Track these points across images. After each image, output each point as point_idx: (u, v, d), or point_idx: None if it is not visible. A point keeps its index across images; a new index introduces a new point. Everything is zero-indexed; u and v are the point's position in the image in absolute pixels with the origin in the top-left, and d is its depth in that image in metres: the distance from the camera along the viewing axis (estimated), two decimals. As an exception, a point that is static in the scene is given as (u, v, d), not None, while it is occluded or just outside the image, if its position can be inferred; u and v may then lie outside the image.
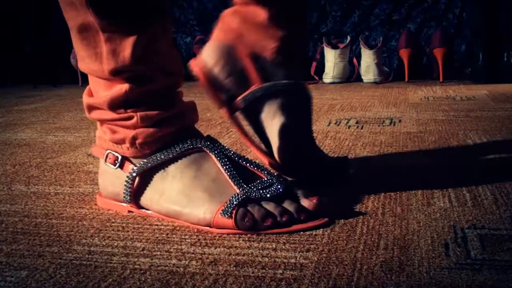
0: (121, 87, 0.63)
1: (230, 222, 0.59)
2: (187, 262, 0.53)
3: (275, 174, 0.65)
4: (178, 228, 0.62)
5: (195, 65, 0.71)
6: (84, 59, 0.64)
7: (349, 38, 2.26)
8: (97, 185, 0.80)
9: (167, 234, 0.60)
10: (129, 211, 0.68)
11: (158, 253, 0.55)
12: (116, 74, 0.62)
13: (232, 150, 0.66)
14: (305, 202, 0.62)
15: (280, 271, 0.50)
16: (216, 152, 0.65)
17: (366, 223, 0.61)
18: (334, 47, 2.24)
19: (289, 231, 0.59)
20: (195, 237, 0.59)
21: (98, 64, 0.62)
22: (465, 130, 1.13)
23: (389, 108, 1.47)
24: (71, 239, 0.60)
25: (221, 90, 0.71)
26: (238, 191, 0.61)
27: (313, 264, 0.51)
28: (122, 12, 0.61)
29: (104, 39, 0.61)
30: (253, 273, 0.50)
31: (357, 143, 1.04)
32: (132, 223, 0.64)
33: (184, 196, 0.63)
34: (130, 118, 0.65)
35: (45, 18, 2.67)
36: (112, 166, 0.67)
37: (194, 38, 2.53)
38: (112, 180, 0.68)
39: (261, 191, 0.61)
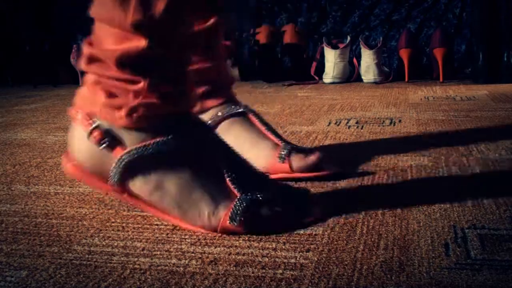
0: (138, 44, 0.57)
1: (239, 229, 0.59)
2: (187, 262, 0.53)
3: (267, 174, 0.66)
4: (178, 227, 0.62)
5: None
6: (105, 3, 0.56)
7: (349, 38, 2.26)
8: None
9: (167, 233, 0.60)
10: (108, 194, 0.63)
11: (158, 252, 0.55)
12: (140, 27, 0.56)
13: (232, 148, 0.65)
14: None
15: (280, 271, 0.50)
16: (218, 149, 0.63)
17: (366, 223, 0.61)
18: (334, 47, 2.24)
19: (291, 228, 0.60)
20: (195, 236, 0.59)
21: (122, 11, 0.55)
22: (465, 130, 1.13)
23: (389, 108, 1.47)
24: (71, 239, 0.60)
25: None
26: (238, 195, 0.60)
27: (313, 264, 0.51)
28: None
29: None
30: (253, 273, 0.50)
31: (357, 143, 1.04)
32: (132, 223, 0.64)
33: (183, 194, 0.60)
34: (137, 82, 0.58)
35: (45, 18, 2.67)
36: (97, 146, 0.60)
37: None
38: (92, 152, 0.61)
39: (260, 193, 0.61)
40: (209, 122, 0.83)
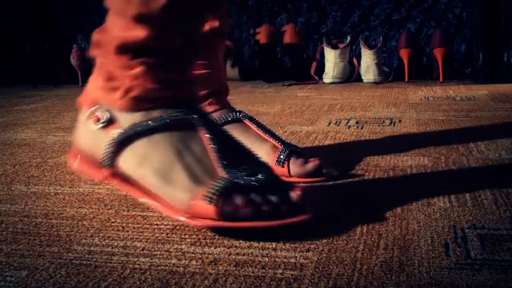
0: (137, 34, 0.59)
1: (211, 208, 0.56)
2: (187, 262, 0.53)
3: (262, 162, 0.62)
4: (178, 227, 0.62)
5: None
6: None
7: (349, 38, 2.26)
8: (97, 185, 0.80)
9: (167, 233, 0.60)
10: (102, 180, 0.63)
11: (158, 252, 0.55)
12: (140, 19, 0.58)
13: (224, 131, 0.64)
14: (290, 194, 0.58)
15: (280, 271, 0.50)
16: (207, 129, 0.61)
17: (366, 223, 0.61)
18: (334, 47, 2.24)
19: (269, 226, 0.57)
20: (195, 236, 0.59)
21: (127, 3, 0.58)
22: (465, 130, 1.13)
23: (389, 108, 1.47)
24: (71, 239, 0.60)
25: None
26: (222, 174, 0.58)
27: (313, 264, 0.51)
28: None
29: None
30: (253, 272, 0.50)
31: (357, 143, 1.04)
32: (132, 222, 0.64)
33: (165, 170, 0.59)
34: (133, 67, 0.60)
35: (45, 18, 2.67)
36: (94, 126, 0.62)
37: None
38: (90, 137, 0.63)
39: (246, 178, 0.58)
40: None
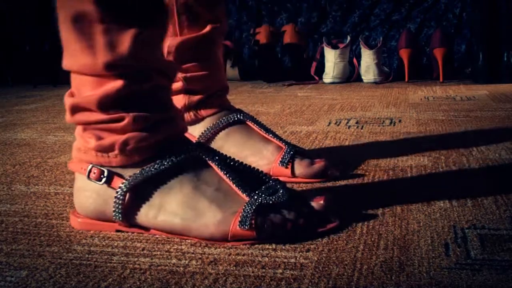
0: (114, 84, 0.58)
1: (251, 233, 0.56)
2: (187, 262, 0.53)
3: (275, 178, 0.63)
4: (178, 228, 0.62)
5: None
6: (74, 53, 0.58)
7: (349, 38, 2.26)
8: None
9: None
10: (117, 230, 0.61)
11: (158, 252, 0.55)
12: (111, 68, 0.57)
13: (229, 157, 0.63)
14: (313, 204, 0.60)
15: (280, 270, 0.50)
16: (215, 159, 0.61)
17: (366, 223, 0.61)
18: (334, 47, 2.24)
19: (312, 235, 0.58)
20: (195, 237, 0.59)
21: (91, 57, 0.57)
22: (465, 130, 1.13)
23: (389, 108, 1.47)
24: (71, 239, 0.60)
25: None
26: (247, 199, 0.58)
27: (313, 264, 0.51)
28: (124, 4, 0.57)
29: (101, 30, 0.57)
30: (253, 272, 0.50)
31: (357, 143, 1.04)
32: (132, 223, 0.64)
33: (188, 208, 0.58)
34: (121, 119, 0.59)
35: (45, 18, 2.67)
36: (97, 182, 0.60)
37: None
38: (94, 197, 0.61)
39: (269, 197, 0.58)
40: (206, 132, 0.82)
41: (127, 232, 0.61)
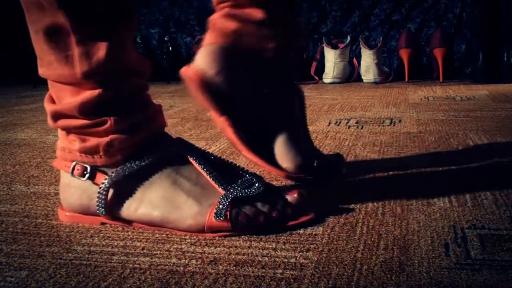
0: (93, 91, 0.60)
1: (226, 224, 0.58)
2: (187, 262, 0.53)
3: (252, 172, 0.65)
4: (178, 228, 0.62)
5: (189, 71, 0.69)
6: (51, 64, 0.60)
7: (349, 38, 2.26)
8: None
9: (167, 233, 0.60)
10: (102, 223, 0.64)
11: (158, 252, 0.55)
12: (89, 76, 0.59)
13: (207, 151, 0.66)
14: (287, 197, 0.62)
15: (280, 271, 0.50)
16: (193, 154, 0.63)
17: (366, 223, 0.61)
18: (334, 47, 2.24)
19: (284, 228, 0.60)
20: (195, 236, 0.59)
21: (68, 67, 0.59)
22: (465, 130, 1.13)
23: (389, 108, 1.47)
24: (71, 239, 0.60)
25: (218, 96, 0.70)
26: (223, 192, 0.60)
27: (313, 264, 0.51)
28: (94, 13, 0.59)
29: (76, 41, 0.58)
30: (253, 272, 0.50)
31: (357, 143, 1.04)
32: (132, 223, 0.64)
33: (167, 201, 0.60)
34: (103, 123, 0.61)
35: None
36: (81, 178, 0.63)
37: (194, 38, 2.53)
38: (79, 193, 0.64)
39: (245, 190, 0.61)
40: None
41: (114, 225, 0.63)
